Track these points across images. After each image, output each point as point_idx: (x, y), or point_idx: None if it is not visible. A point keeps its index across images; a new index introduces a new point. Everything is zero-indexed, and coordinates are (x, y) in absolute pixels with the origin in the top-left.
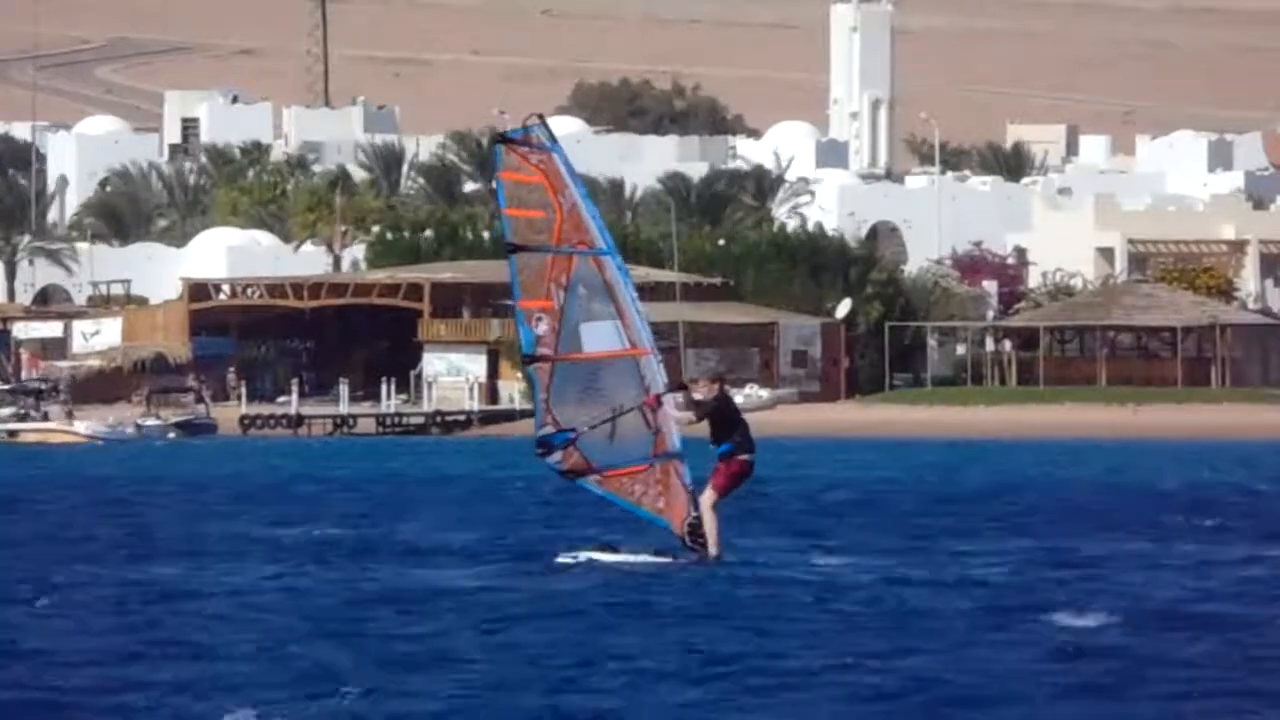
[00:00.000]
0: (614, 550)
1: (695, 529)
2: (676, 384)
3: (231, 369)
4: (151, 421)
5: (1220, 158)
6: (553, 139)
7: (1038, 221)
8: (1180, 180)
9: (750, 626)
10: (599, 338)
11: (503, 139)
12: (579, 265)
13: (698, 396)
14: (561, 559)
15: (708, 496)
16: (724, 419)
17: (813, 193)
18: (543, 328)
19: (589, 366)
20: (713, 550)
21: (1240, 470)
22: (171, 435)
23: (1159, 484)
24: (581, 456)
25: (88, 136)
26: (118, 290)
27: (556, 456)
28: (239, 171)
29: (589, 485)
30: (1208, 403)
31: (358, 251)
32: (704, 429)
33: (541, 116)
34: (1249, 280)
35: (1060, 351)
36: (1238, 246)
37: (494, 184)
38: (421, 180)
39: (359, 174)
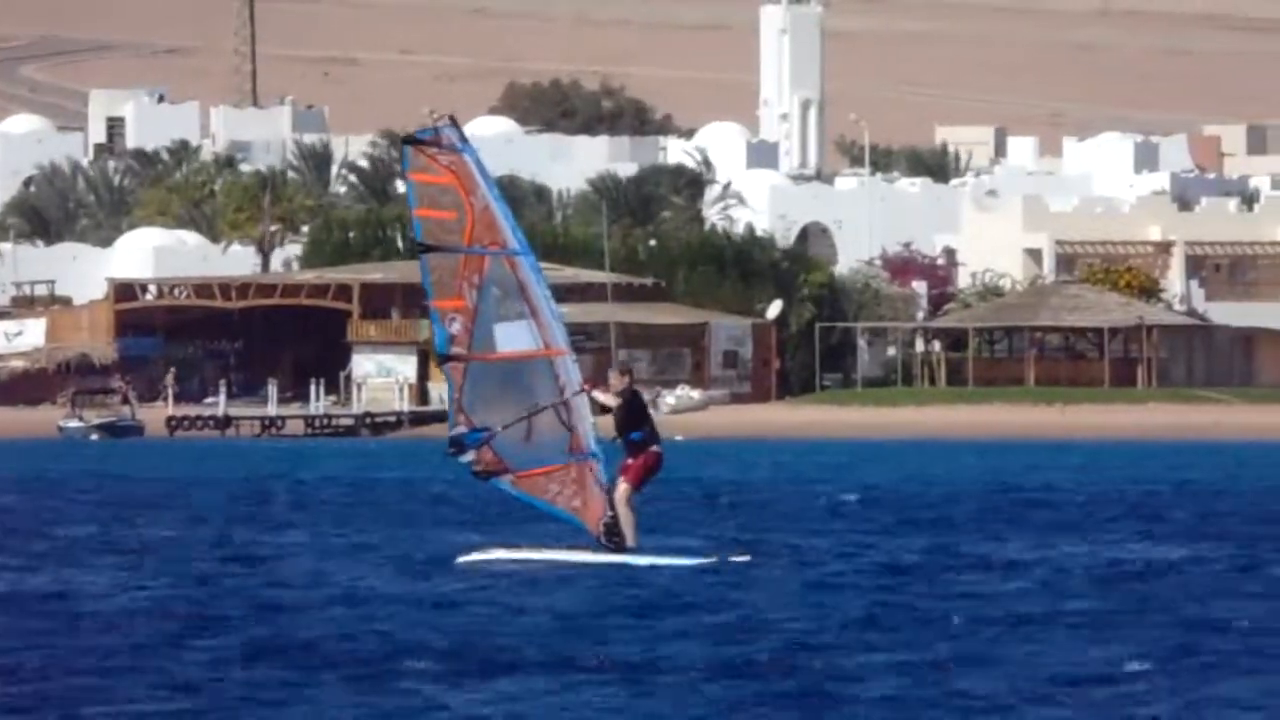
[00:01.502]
0: (519, 548)
1: (611, 528)
2: (588, 385)
3: (173, 369)
4: (74, 424)
5: (1146, 159)
6: (464, 140)
7: (966, 222)
8: (1107, 182)
9: None
10: (513, 338)
11: (411, 140)
12: (491, 265)
13: (604, 397)
14: (465, 559)
15: (623, 490)
16: (634, 410)
17: (740, 198)
18: (456, 327)
19: (504, 366)
20: (630, 543)
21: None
22: (94, 437)
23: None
24: (496, 456)
25: (11, 135)
26: (41, 290)
27: (469, 455)
28: (165, 171)
29: (503, 485)
30: (1134, 403)
31: (287, 252)
32: (609, 425)
33: (453, 117)
34: (1175, 281)
35: (989, 352)
36: (1164, 248)
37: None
38: (353, 178)
39: (288, 174)
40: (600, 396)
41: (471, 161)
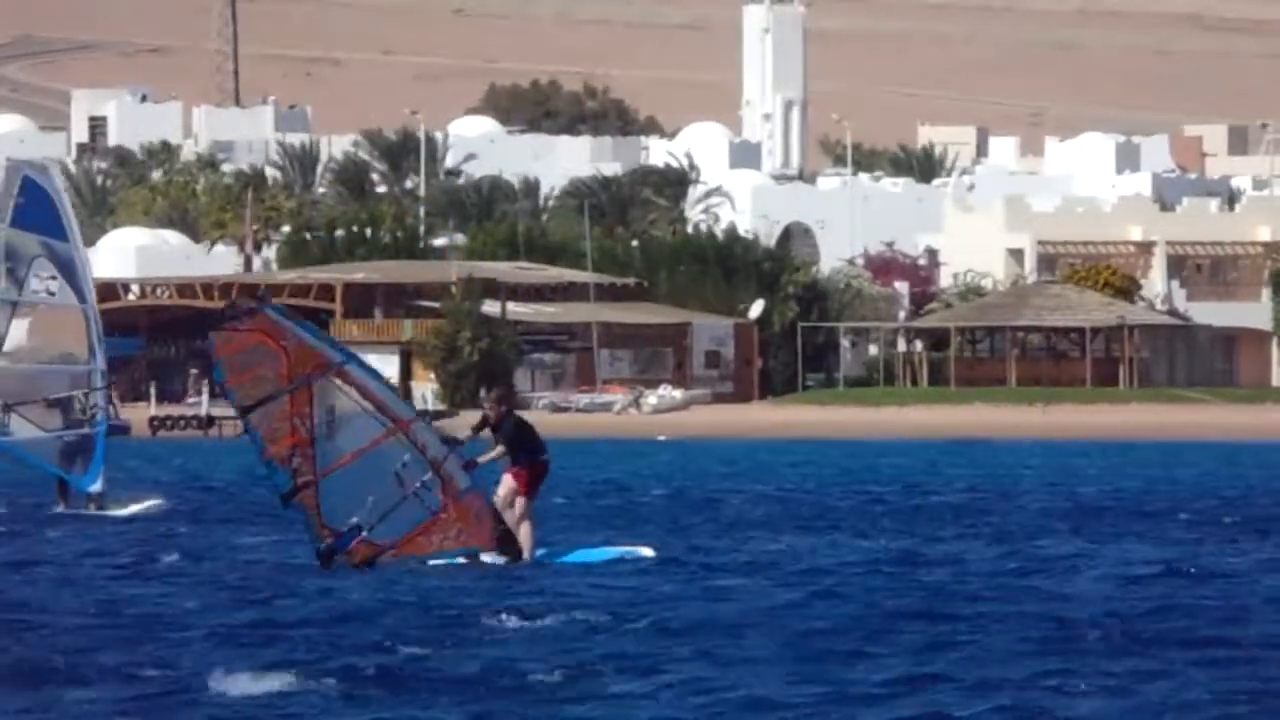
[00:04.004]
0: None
1: (505, 540)
2: (452, 441)
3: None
4: None
5: (1128, 159)
6: (261, 300)
7: (948, 222)
8: (1088, 182)
9: None
10: (359, 435)
11: (212, 329)
12: (321, 388)
13: (485, 429)
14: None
15: (520, 505)
16: (521, 437)
17: (728, 196)
18: (297, 459)
19: (357, 463)
20: (526, 555)
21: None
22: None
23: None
24: (371, 544)
25: None
26: None
27: (340, 559)
28: (146, 171)
29: (385, 559)
30: (1115, 403)
31: (269, 251)
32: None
33: (258, 295)
34: (1156, 281)
35: (971, 352)
36: (1145, 248)
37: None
38: (331, 178)
39: (270, 174)
40: (484, 458)
41: (272, 312)
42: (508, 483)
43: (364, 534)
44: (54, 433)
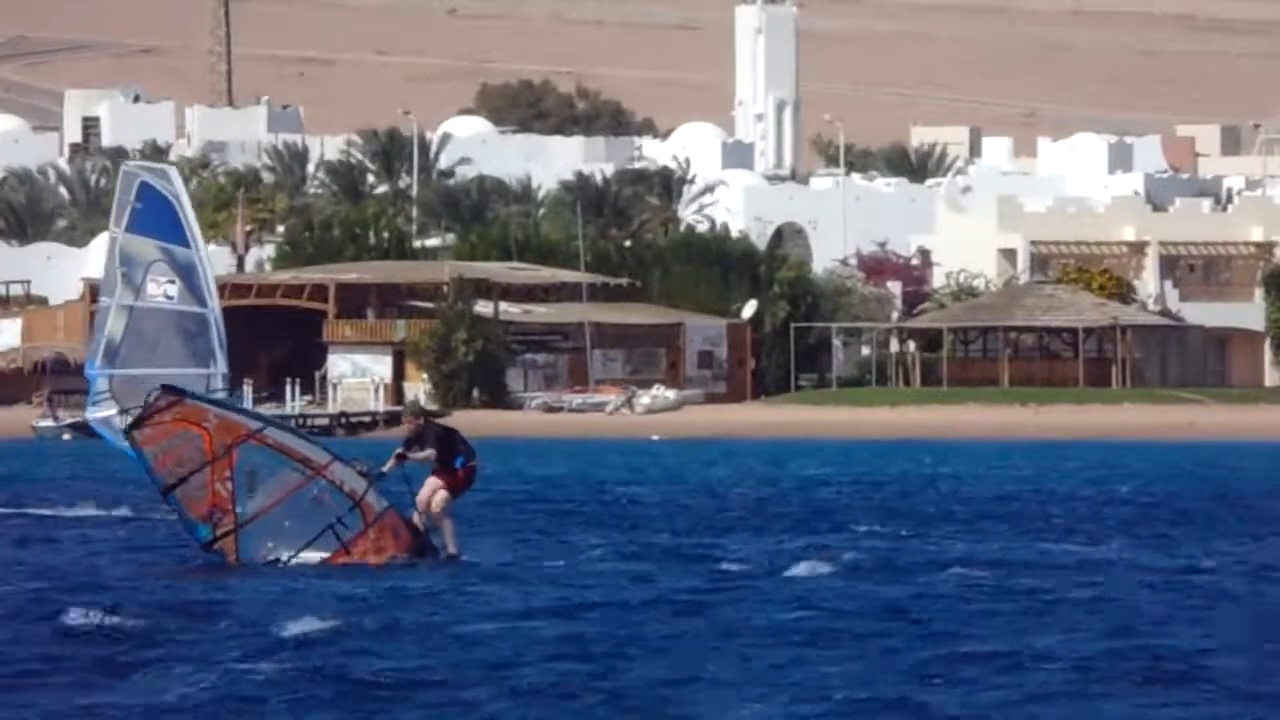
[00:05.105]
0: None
1: (423, 549)
2: (371, 475)
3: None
4: (47, 423)
5: (1120, 160)
6: (181, 394)
7: (941, 223)
8: (1081, 182)
9: None
10: (279, 485)
11: (132, 428)
12: (241, 454)
13: (418, 455)
14: (270, 557)
15: (441, 497)
16: (447, 444)
17: (717, 187)
18: (217, 516)
19: (278, 507)
20: (451, 549)
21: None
22: (66, 436)
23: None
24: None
25: None
26: (17, 290)
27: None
28: None
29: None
30: (1108, 403)
31: (260, 252)
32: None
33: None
34: (1149, 282)
35: (963, 352)
36: (1138, 248)
37: (135, 453)
38: (324, 177)
39: (264, 174)
40: (415, 457)
41: (190, 399)
42: (432, 483)
43: (281, 564)
44: None
